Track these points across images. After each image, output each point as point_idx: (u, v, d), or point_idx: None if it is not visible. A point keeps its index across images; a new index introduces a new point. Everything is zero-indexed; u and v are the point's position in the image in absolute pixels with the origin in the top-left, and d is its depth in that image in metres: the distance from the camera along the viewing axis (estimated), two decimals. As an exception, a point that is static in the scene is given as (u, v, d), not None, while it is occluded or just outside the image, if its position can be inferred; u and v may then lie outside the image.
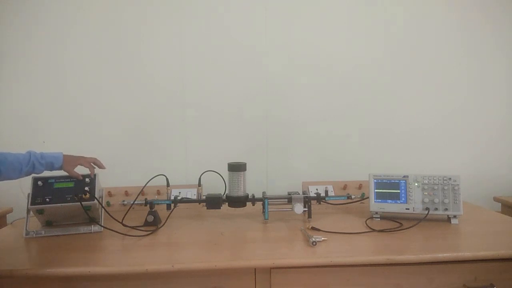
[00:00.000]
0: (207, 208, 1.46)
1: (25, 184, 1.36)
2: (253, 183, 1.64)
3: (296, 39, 1.79)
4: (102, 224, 1.35)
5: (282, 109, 1.81)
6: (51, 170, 1.28)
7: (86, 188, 1.34)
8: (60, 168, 1.28)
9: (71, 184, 1.36)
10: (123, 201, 1.48)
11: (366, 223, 1.40)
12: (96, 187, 1.36)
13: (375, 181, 1.47)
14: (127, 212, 1.43)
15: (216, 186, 1.59)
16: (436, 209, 1.40)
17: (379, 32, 1.81)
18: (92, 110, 1.74)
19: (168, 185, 1.56)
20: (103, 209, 1.37)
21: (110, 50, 1.73)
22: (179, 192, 1.67)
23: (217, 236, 1.29)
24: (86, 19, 1.71)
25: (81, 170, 1.33)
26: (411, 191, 1.43)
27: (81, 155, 1.33)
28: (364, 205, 1.61)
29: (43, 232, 1.32)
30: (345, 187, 1.73)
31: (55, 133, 1.73)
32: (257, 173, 1.79)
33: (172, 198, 1.51)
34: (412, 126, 1.85)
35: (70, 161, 1.29)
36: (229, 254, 1.13)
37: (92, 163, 1.34)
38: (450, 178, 1.42)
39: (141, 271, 1.05)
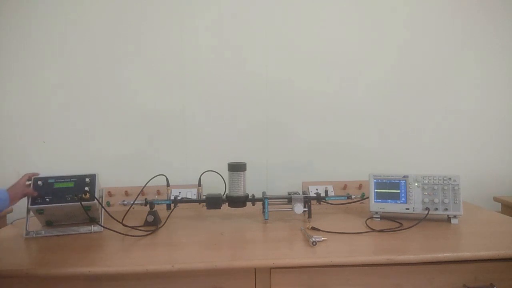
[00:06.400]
0: (207, 208, 1.46)
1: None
2: (253, 183, 1.64)
3: (296, 39, 1.78)
4: (102, 224, 1.35)
5: (282, 109, 1.81)
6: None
7: (86, 188, 1.34)
8: (8, 206, 1.23)
9: (71, 184, 1.36)
10: (123, 201, 1.48)
11: (366, 223, 1.40)
12: (96, 187, 1.36)
13: (375, 181, 1.47)
14: (127, 212, 1.43)
15: (216, 186, 1.59)
16: (436, 209, 1.39)
17: (379, 33, 1.80)
18: (92, 110, 1.74)
19: (168, 185, 1.56)
20: (103, 209, 1.37)
21: (110, 49, 1.73)
22: (179, 192, 1.67)
23: (217, 236, 1.29)
24: (86, 19, 1.71)
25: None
26: (411, 191, 1.43)
27: (17, 182, 1.30)
28: (364, 205, 1.61)
29: (43, 232, 1.32)
30: (345, 187, 1.73)
31: (55, 133, 1.73)
32: (257, 173, 1.79)
33: (172, 198, 1.51)
34: (412, 126, 1.85)
35: (15, 193, 1.25)
36: (229, 254, 1.13)
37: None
38: (450, 178, 1.42)
39: (141, 271, 1.05)
